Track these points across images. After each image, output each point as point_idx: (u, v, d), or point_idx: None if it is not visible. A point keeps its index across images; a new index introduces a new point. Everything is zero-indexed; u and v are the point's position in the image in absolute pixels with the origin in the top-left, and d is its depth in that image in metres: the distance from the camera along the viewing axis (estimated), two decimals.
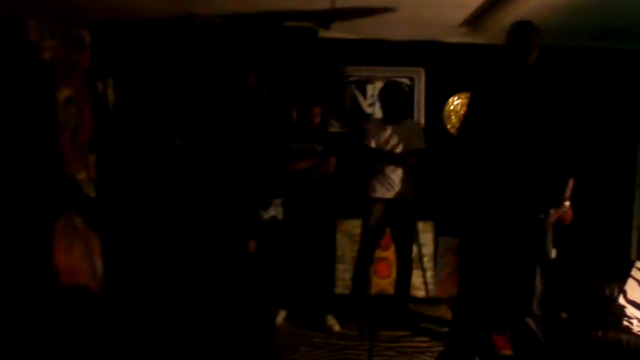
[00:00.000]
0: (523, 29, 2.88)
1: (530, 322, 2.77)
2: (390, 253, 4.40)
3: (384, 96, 4.03)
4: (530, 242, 2.78)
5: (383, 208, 3.90)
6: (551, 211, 2.84)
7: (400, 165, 3.88)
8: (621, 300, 3.58)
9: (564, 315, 3.56)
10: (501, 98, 2.79)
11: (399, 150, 3.91)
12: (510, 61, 2.88)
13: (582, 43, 4.61)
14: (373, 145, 3.94)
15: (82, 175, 3.88)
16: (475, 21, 4.15)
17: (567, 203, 2.96)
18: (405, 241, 3.99)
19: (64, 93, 3.71)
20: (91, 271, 3.94)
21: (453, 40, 4.58)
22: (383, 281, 4.49)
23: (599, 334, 3.26)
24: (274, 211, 3.64)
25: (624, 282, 3.66)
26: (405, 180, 3.89)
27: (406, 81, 4.67)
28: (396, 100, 3.96)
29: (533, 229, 2.78)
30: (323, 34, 4.50)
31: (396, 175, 3.88)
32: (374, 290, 4.50)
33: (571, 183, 2.93)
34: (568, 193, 2.94)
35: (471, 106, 3.01)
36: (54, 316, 3.28)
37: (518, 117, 2.78)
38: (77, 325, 3.39)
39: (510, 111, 2.77)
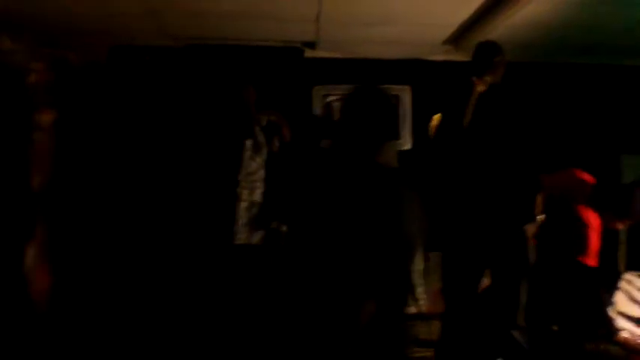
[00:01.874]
0: (485, 50, 2.95)
1: (516, 334, 2.79)
2: None
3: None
4: (513, 257, 2.81)
5: None
6: (527, 227, 2.89)
7: None
8: (611, 312, 3.59)
9: (556, 328, 3.56)
10: (468, 118, 2.85)
11: None
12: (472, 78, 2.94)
13: (564, 59, 4.70)
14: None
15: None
16: (458, 39, 4.22)
17: (541, 217, 3.01)
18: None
19: (50, 116, 3.68)
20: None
21: (437, 58, 4.65)
22: None
23: (591, 346, 3.27)
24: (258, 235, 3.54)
25: (613, 294, 3.69)
26: None
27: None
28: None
29: (514, 244, 2.82)
30: (309, 53, 4.55)
31: None
32: None
33: (539, 199, 2.98)
34: (538, 208, 2.98)
35: (441, 125, 3.06)
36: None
37: (484, 135, 2.83)
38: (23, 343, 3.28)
39: (476, 130, 2.82)
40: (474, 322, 2.84)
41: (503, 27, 3.70)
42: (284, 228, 3.56)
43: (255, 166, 3.41)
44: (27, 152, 3.29)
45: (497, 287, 2.87)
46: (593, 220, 3.39)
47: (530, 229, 2.97)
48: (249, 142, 3.41)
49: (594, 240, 3.39)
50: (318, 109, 4.71)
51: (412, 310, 4.71)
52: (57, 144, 3.70)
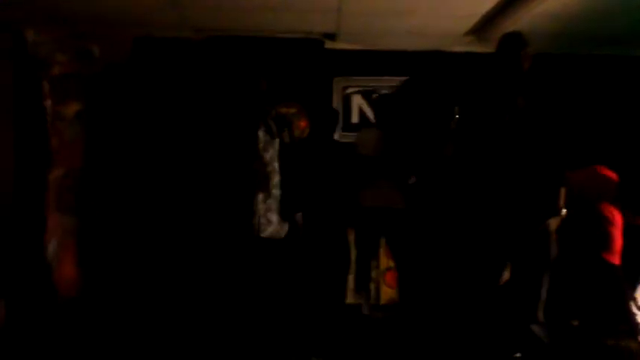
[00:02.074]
0: (511, 42, 2.93)
1: (536, 329, 2.77)
2: None
3: (376, 106, 4.07)
4: (535, 250, 2.79)
5: (375, 217, 3.86)
6: (550, 221, 2.86)
7: (390, 173, 3.86)
8: (633, 308, 3.56)
9: (576, 323, 3.54)
10: (494, 108, 2.84)
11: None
12: (500, 72, 2.93)
13: (588, 50, 4.62)
14: (363, 152, 3.94)
15: None
16: (480, 30, 4.17)
17: (565, 211, 2.98)
18: (400, 251, 3.97)
19: (73, 107, 3.75)
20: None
21: (459, 49, 4.61)
22: (391, 290, 4.47)
23: (612, 341, 3.25)
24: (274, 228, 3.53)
25: (636, 290, 3.65)
26: (394, 189, 3.87)
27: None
28: (387, 110, 3.99)
29: (536, 238, 2.79)
30: (329, 45, 4.54)
31: (385, 183, 3.84)
32: (383, 299, 4.48)
33: (563, 192, 2.95)
34: (562, 202, 2.95)
35: (463, 116, 3.06)
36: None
37: (510, 125, 2.82)
38: (53, 330, 3.36)
39: (502, 120, 2.81)
40: (493, 316, 2.83)
41: (528, 17, 3.64)
42: (300, 219, 3.57)
43: (268, 158, 3.44)
44: (47, 144, 3.38)
45: (518, 281, 2.85)
46: (617, 217, 3.35)
47: (554, 222, 2.94)
48: (261, 134, 3.43)
49: (618, 237, 3.36)
50: (337, 100, 4.71)
51: None
52: (84, 135, 3.77)
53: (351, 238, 4.20)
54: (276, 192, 3.39)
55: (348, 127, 4.68)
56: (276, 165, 3.42)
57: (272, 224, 3.37)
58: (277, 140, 3.44)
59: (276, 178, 3.40)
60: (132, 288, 3.99)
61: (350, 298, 4.43)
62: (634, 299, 3.58)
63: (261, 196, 3.34)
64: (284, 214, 3.44)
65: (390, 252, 4.12)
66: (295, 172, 3.54)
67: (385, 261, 4.41)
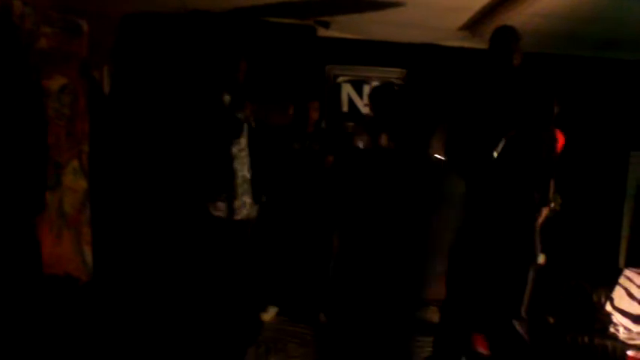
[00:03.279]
0: (502, 36, 2.95)
1: (517, 325, 2.81)
2: None
3: (373, 98, 4.04)
4: (523, 245, 2.82)
5: None
6: (542, 210, 2.91)
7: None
8: (608, 307, 3.62)
9: (552, 320, 3.59)
10: (486, 101, 2.87)
11: None
12: (493, 65, 2.95)
13: (581, 52, 4.64)
14: (361, 146, 3.93)
15: (74, 164, 3.85)
16: (474, 25, 4.16)
17: (553, 204, 3.04)
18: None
19: (58, 81, 3.67)
20: (80, 261, 3.90)
21: (451, 43, 4.60)
22: None
23: (586, 339, 3.30)
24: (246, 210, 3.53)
25: (612, 289, 3.71)
26: None
27: (400, 83, 4.69)
28: (385, 102, 3.96)
29: (524, 232, 2.83)
30: (322, 32, 4.50)
31: None
32: None
33: (552, 185, 3.01)
34: (551, 193, 3.02)
35: (453, 110, 3.08)
36: (39, 306, 3.25)
37: (502, 118, 2.85)
38: (64, 315, 3.36)
39: (494, 113, 2.84)
40: (475, 310, 2.86)
41: (523, 15, 3.63)
42: (264, 199, 3.58)
43: (243, 142, 3.43)
44: (36, 118, 3.29)
45: (505, 277, 2.87)
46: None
47: (544, 212, 2.99)
48: (238, 118, 3.43)
49: None
50: (327, 88, 4.68)
51: None
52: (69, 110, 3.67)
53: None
54: (247, 174, 3.40)
55: (338, 115, 4.67)
56: (247, 149, 3.43)
57: (245, 207, 3.39)
58: (247, 125, 3.44)
59: (248, 162, 3.41)
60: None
61: None
62: (610, 299, 3.65)
63: (238, 181, 3.35)
64: (255, 197, 3.45)
65: None
66: (264, 156, 3.54)
67: None
